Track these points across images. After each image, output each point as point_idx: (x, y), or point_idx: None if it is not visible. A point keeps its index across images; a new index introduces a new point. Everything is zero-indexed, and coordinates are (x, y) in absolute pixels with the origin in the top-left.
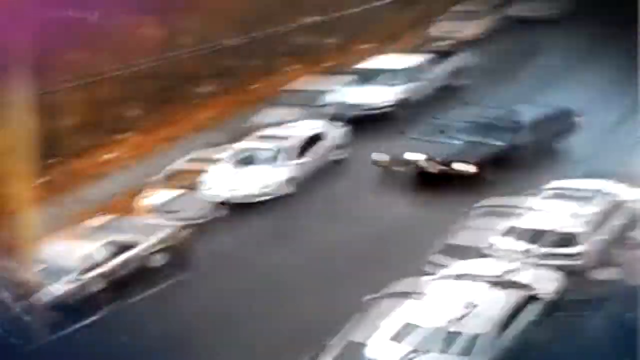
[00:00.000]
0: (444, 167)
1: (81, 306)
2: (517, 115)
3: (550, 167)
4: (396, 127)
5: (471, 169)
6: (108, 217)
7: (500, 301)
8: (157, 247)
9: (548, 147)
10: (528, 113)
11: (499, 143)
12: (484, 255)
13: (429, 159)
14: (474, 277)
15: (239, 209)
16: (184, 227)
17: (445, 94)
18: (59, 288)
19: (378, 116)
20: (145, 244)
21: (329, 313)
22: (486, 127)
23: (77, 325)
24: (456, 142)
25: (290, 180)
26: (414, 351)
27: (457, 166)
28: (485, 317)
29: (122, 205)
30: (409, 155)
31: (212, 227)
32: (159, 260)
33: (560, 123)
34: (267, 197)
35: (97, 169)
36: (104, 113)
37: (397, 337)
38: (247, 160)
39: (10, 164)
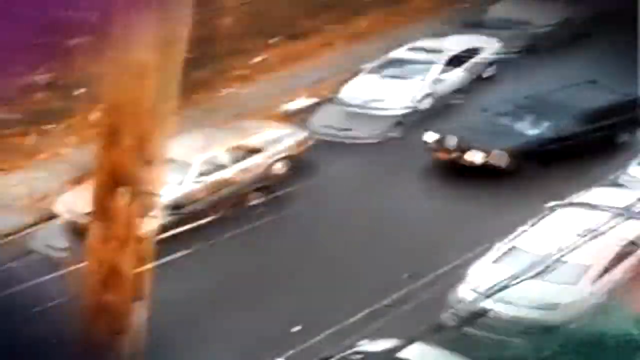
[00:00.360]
0: (459, 153)
1: (200, 209)
2: (569, 100)
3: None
4: (558, 47)
5: (481, 159)
6: (240, 122)
7: (619, 232)
8: (281, 155)
9: (604, 140)
10: (584, 98)
11: (534, 132)
12: (618, 185)
13: (438, 142)
14: (597, 207)
15: (377, 122)
16: (312, 137)
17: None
18: (180, 189)
19: (541, 35)
20: (271, 151)
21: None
22: (526, 112)
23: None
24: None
25: (436, 95)
26: (514, 277)
27: (469, 155)
28: (599, 248)
29: (262, 111)
30: (428, 135)
31: (342, 138)
32: (280, 168)
33: (625, 112)
34: (409, 111)
35: (246, 74)
36: (260, 17)
37: (500, 261)
38: (393, 72)
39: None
